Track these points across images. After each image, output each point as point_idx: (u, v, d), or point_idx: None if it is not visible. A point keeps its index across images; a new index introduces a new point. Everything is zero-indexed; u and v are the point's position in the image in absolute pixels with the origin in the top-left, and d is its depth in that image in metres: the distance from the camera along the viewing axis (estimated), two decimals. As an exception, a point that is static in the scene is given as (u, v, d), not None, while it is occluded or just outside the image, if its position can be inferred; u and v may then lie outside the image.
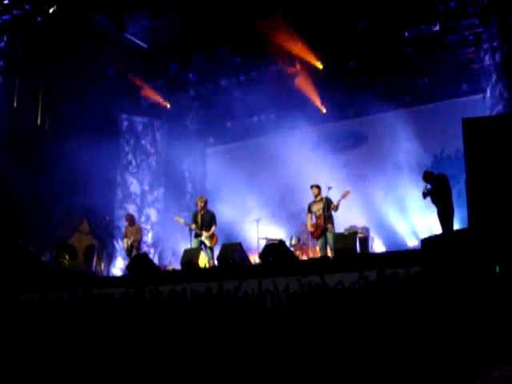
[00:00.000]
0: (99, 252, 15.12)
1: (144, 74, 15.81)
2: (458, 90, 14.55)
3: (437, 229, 10.52)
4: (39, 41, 13.64)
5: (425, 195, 10.77)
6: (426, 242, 5.88)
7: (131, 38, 14.51)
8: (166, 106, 16.66)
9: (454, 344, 4.45)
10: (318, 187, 11.51)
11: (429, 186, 10.77)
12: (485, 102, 13.43)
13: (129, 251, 12.96)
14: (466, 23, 13.12)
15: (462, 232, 6.67)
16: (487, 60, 12.96)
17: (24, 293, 10.24)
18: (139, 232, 13.32)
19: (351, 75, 14.98)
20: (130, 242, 12.97)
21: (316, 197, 11.49)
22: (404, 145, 14.20)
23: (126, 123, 17.00)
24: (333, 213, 11.29)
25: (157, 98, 16.43)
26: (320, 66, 14.73)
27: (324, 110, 15.66)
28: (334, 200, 11.25)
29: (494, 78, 12.46)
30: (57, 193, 14.17)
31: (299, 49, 14.46)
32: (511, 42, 10.20)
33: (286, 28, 13.50)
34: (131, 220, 13.39)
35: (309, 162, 14.81)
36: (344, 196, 11.18)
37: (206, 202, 12.21)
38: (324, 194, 11.47)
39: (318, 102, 15.51)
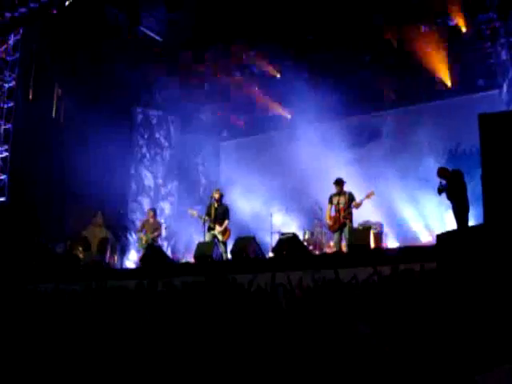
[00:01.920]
0: (113, 244, 15.19)
1: (159, 67, 15.82)
2: (473, 85, 14.44)
3: (451, 225, 10.47)
4: (55, 33, 13.69)
5: (440, 191, 10.71)
6: (442, 238, 5.84)
7: (146, 31, 14.53)
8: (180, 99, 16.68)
9: (467, 340, 4.44)
10: (342, 181, 11.44)
11: (444, 182, 10.70)
12: (501, 98, 13.33)
13: (147, 245, 13.04)
14: (482, 17, 13.02)
15: (478, 228, 6.63)
16: (504, 55, 12.85)
17: (38, 283, 10.31)
18: (159, 227, 13.47)
19: (366, 70, 14.93)
20: (151, 237, 13.04)
21: (340, 190, 11.41)
22: (418, 140, 14.14)
23: (140, 116, 17.05)
24: (353, 209, 11.26)
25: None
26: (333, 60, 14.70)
27: (338, 105, 15.59)
28: (356, 196, 11.24)
29: (510, 73, 12.36)
30: (71, 185, 14.24)
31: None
32: (529, 37, 10.13)
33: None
34: (154, 215, 13.53)
35: (322, 157, 14.79)
36: (368, 197, 11.15)
37: (221, 195, 12.20)
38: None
39: (332, 97, 15.46)
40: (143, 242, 13.09)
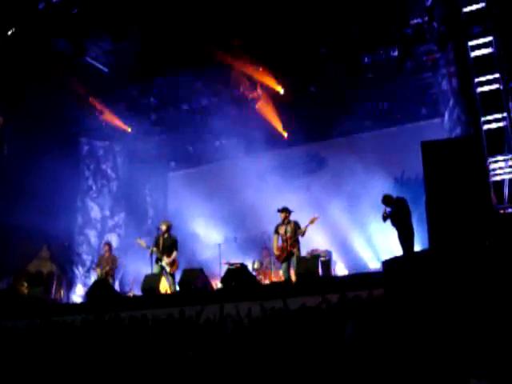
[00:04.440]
0: (59, 279, 14.85)
1: (105, 98, 15.69)
2: (417, 114, 14.78)
3: (398, 251, 10.59)
4: (-2, 64, 13.46)
5: (384, 218, 10.87)
6: (387, 264, 5.89)
7: (92, 61, 14.42)
8: (126, 130, 16.48)
9: (416, 364, 4.44)
10: (286, 210, 11.48)
11: (388, 210, 10.86)
12: (443, 126, 13.65)
13: (103, 279, 12.86)
14: (423, 49, 13.39)
15: (423, 253, 6.71)
16: (444, 85, 13.19)
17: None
18: (115, 261, 13.29)
19: (312, 100, 15.15)
20: (104, 271, 12.90)
21: (284, 220, 11.43)
22: (365, 168, 14.31)
23: (86, 147, 16.79)
24: (299, 237, 11.29)
25: (117, 122, 16.27)
26: (281, 90, 14.79)
27: (285, 135, 15.74)
28: (302, 224, 11.27)
29: (451, 102, 12.68)
30: (16, 218, 13.90)
31: (260, 74, 14.55)
32: (467, 68, 10.42)
33: (247, 53, 13.60)
34: (110, 249, 13.40)
35: (271, 186, 14.89)
36: (312, 222, 11.16)
37: (169, 227, 12.14)
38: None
39: (279, 127, 15.59)
40: (99, 276, 12.96)
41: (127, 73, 14.76)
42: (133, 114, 16.19)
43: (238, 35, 13.28)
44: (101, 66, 14.71)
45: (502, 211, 8.81)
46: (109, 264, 13.05)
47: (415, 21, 12.72)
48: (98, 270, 13.12)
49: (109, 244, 13.70)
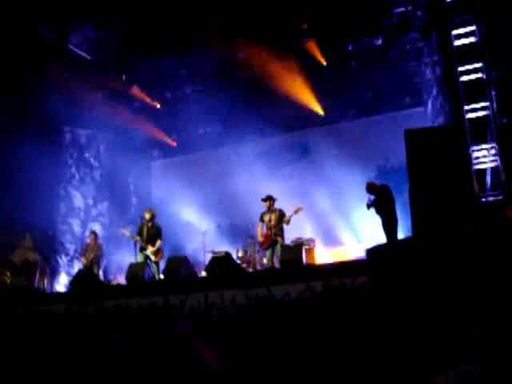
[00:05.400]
0: (42, 268, 14.77)
1: (88, 85, 15.53)
2: (401, 102, 14.83)
3: (382, 239, 10.65)
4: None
5: (368, 206, 10.92)
6: (371, 252, 5.93)
7: (75, 49, 14.26)
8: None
9: (398, 352, 4.48)
10: (270, 198, 11.56)
11: (372, 197, 10.91)
12: (426, 114, 13.71)
13: (88, 268, 12.83)
14: (407, 38, 13.42)
15: (406, 241, 6.77)
16: (428, 73, 13.25)
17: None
18: (100, 249, 13.34)
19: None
20: (89, 258, 12.96)
21: (269, 208, 11.53)
22: (348, 156, 14.34)
23: (68, 135, 16.63)
24: (284, 225, 11.38)
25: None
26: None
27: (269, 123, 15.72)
28: (286, 212, 11.34)
29: (434, 91, 12.74)
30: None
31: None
32: (450, 57, 10.46)
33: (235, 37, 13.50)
34: (95, 237, 13.45)
35: (254, 175, 14.88)
36: (296, 212, 11.25)
37: (153, 216, 12.13)
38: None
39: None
40: (85, 265, 12.95)
41: (110, 60, 14.64)
42: (116, 102, 16.03)
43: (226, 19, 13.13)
44: (84, 54, 14.56)
45: (484, 199, 8.90)
46: (94, 252, 13.06)
47: (399, 9, 12.73)
48: (83, 259, 13.14)
49: (95, 233, 13.76)
